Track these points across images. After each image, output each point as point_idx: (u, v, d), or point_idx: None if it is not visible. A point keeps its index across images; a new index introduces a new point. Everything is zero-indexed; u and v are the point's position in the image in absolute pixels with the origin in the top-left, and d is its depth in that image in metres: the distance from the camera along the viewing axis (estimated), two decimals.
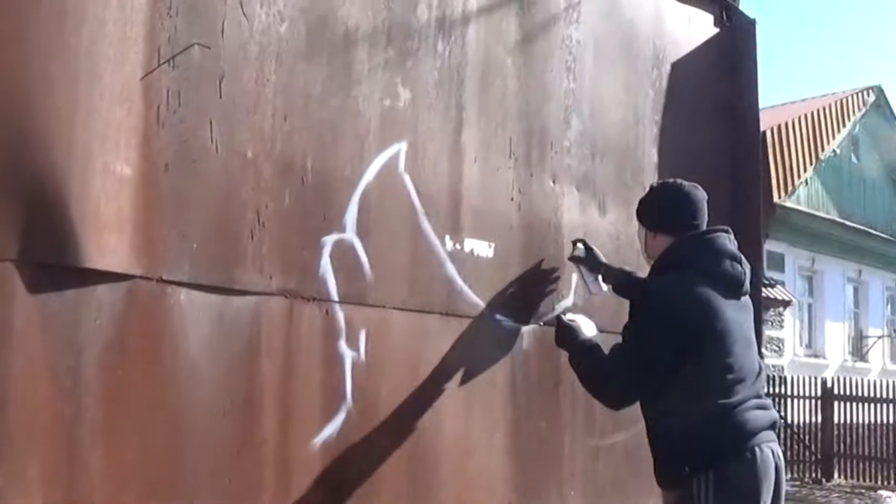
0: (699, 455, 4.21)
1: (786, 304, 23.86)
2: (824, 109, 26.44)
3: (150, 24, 4.02)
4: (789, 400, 21.68)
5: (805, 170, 25.22)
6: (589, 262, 5.34)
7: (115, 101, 3.92)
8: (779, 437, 4.46)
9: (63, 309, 3.79)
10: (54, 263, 3.77)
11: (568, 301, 5.61)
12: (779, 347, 24.41)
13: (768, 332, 23.44)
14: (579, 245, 5.43)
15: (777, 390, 21.57)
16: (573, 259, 5.39)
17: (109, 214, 3.88)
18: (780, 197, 23.74)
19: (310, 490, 4.51)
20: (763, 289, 20.01)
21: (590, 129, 5.82)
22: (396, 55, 4.88)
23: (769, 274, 23.58)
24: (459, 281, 5.11)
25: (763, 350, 17.74)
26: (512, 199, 5.37)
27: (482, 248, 5.20)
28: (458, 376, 5.12)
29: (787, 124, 24.20)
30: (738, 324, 4.38)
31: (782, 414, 21.21)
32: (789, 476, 20.84)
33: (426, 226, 4.97)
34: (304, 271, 4.52)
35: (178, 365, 4.11)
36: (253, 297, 4.34)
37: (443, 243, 5.04)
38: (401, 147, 4.89)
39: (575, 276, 5.62)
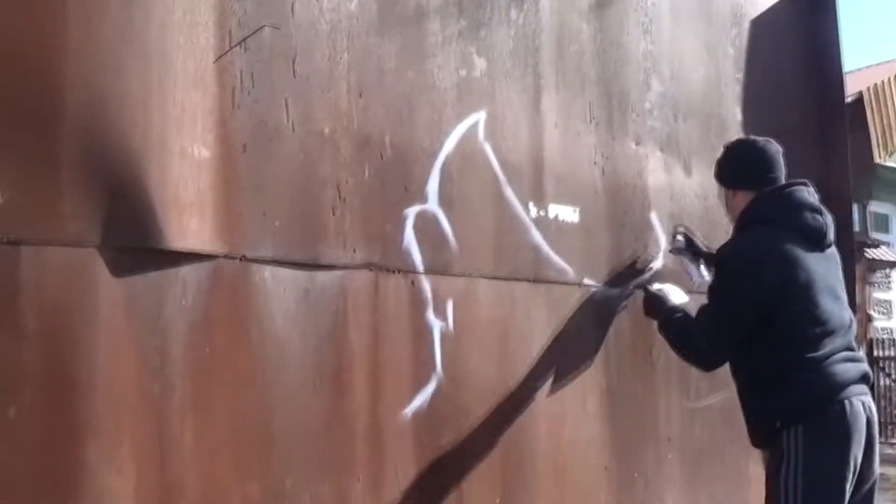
0: (789, 409, 4.13)
1: (892, 265, 23.24)
2: None
3: (220, 8, 4.02)
4: None
5: None
6: (690, 251, 5.29)
7: (189, 86, 3.91)
8: (872, 390, 4.27)
9: (147, 291, 3.81)
10: (136, 247, 3.76)
11: (657, 263, 5.53)
12: (887, 309, 23.76)
13: (876, 294, 22.89)
14: (679, 237, 5.33)
15: (888, 353, 20.96)
16: (674, 251, 5.33)
17: (189, 196, 3.89)
18: (880, 157, 23.07)
19: (402, 461, 4.51)
20: (868, 250, 19.60)
21: (671, 90, 5.73)
22: (469, 25, 4.83)
23: (875, 235, 23.01)
24: (546, 247, 5.06)
25: (872, 312, 17.37)
26: (595, 163, 5.31)
27: (567, 214, 5.14)
28: (548, 343, 5.08)
29: (884, 83, 23.50)
30: (822, 276, 4.27)
31: (894, 377, 20.72)
32: None
33: (509, 193, 4.92)
34: (388, 244, 4.50)
35: (265, 341, 4.11)
36: (338, 272, 4.33)
37: (527, 210, 4.99)
38: (480, 116, 4.85)
39: (663, 239, 5.47)
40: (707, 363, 4.51)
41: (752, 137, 4.67)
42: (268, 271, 4.10)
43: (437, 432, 4.62)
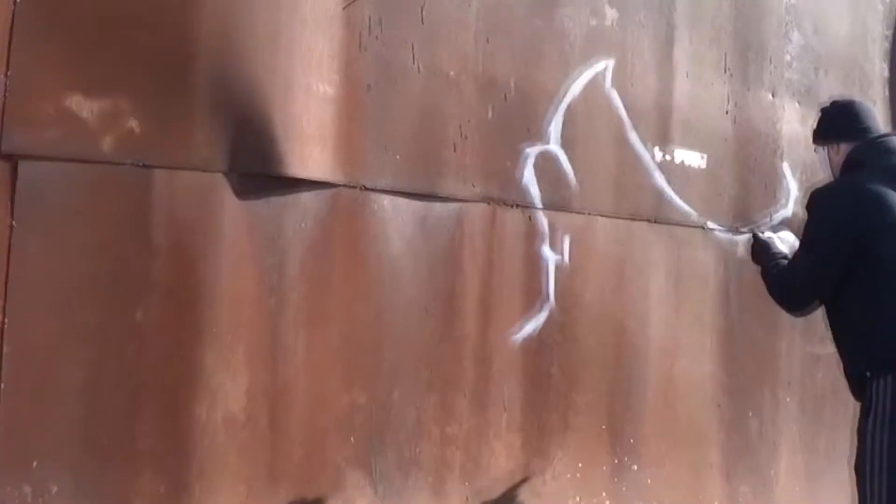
0: (877, 357, 3.97)
1: None
2: None
3: None
4: None
5: None
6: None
7: (317, 30, 4.20)
8: None
9: (269, 214, 4.14)
10: (260, 173, 4.06)
11: (787, 211, 5.57)
12: None
13: None
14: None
15: None
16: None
17: (312, 130, 4.19)
18: None
19: (509, 382, 4.73)
20: None
21: (812, 44, 5.71)
22: None
23: None
24: (669, 190, 5.17)
25: None
26: (727, 112, 5.36)
27: (693, 159, 5.22)
28: (667, 281, 5.22)
29: None
30: None
31: None
32: None
33: (633, 137, 5.05)
34: (507, 180, 4.71)
35: (381, 265, 4.40)
36: (455, 204, 4.58)
37: (651, 154, 5.08)
38: (608, 63, 4.99)
39: (794, 188, 5.45)
40: (795, 304, 4.42)
41: (845, 97, 4.72)
42: (387, 200, 4.37)
43: (546, 359, 4.82)
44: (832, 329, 4.28)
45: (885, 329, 3.96)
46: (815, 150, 4.57)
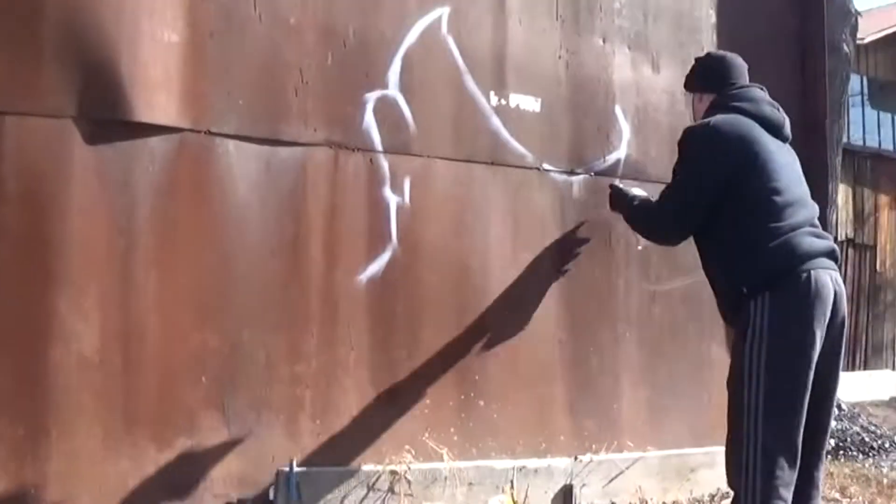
0: (755, 276, 4.34)
1: None
2: None
3: None
4: None
5: None
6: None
7: None
8: (840, 269, 4.63)
9: (117, 158, 4.59)
10: (108, 119, 4.51)
11: (620, 153, 6.05)
12: None
13: None
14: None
15: None
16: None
17: (157, 76, 4.61)
18: None
19: (356, 320, 5.19)
20: None
21: None
22: None
23: None
24: (505, 133, 5.66)
25: None
26: (559, 57, 5.87)
27: (528, 103, 5.71)
28: (505, 221, 5.68)
29: None
30: (781, 156, 4.57)
31: None
32: None
33: (470, 83, 5.52)
34: (348, 124, 5.17)
35: (227, 207, 4.84)
36: (299, 148, 5.03)
37: (487, 98, 5.57)
38: (443, 11, 5.46)
39: (627, 130, 6.02)
40: (672, 234, 4.79)
41: (719, 51, 5.21)
42: (231, 144, 4.82)
43: (391, 298, 5.29)
44: (706, 254, 4.66)
45: (760, 250, 4.34)
46: (683, 94, 5.10)
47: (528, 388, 5.71)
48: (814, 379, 4.31)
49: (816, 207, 4.60)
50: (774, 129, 4.63)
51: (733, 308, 4.45)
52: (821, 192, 6.85)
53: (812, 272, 4.28)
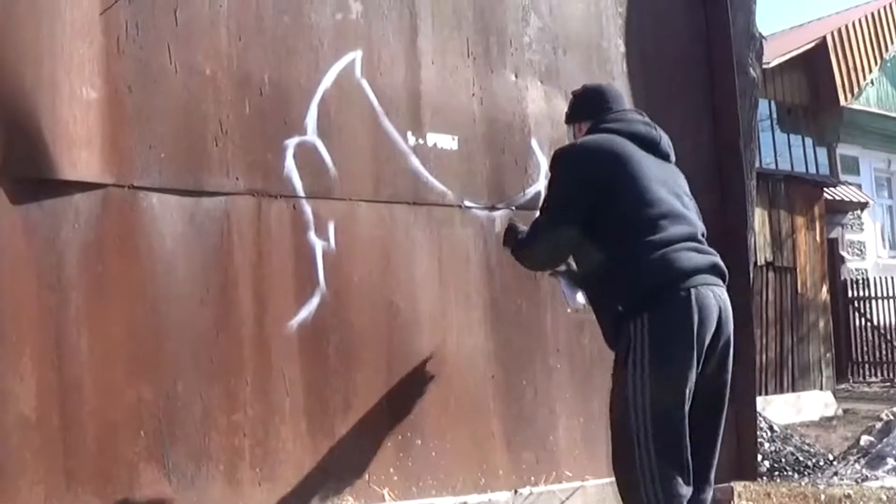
0: (631, 295, 4.42)
1: (863, 206, 24.13)
2: (886, 8, 26.26)
3: None
4: (874, 301, 22.51)
5: (870, 70, 25.30)
6: (568, 275, 5.23)
7: (76, 35, 4.81)
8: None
9: (43, 216, 4.73)
10: (32, 178, 4.68)
11: (538, 185, 6.27)
12: (861, 251, 24.81)
13: (849, 235, 23.97)
14: None
15: (862, 293, 22.31)
16: (553, 273, 5.35)
17: (79, 132, 4.79)
18: (846, 100, 24.01)
19: (290, 366, 5.36)
20: (833, 188, 20.52)
21: (549, 26, 6.50)
22: None
23: (844, 177, 23.95)
24: (425, 172, 5.89)
25: (844, 253, 18.12)
26: (473, 94, 6.11)
27: (445, 141, 5.94)
28: (430, 260, 5.90)
29: (847, 27, 24.45)
30: (656, 172, 4.67)
31: (868, 316, 22.10)
32: (878, 378, 21.47)
33: (387, 124, 5.75)
34: (269, 171, 5.36)
35: (154, 260, 5.00)
36: (222, 198, 5.22)
37: (405, 139, 5.81)
38: (356, 55, 5.68)
39: (544, 163, 6.28)
40: (549, 255, 4.92)
41: (596, 83, 5.47)
42: (155, 198, 4.99)
43: (322, 342, 5.48)
44: (585, 280, 4.85)
45: (634, 266, 4.44)
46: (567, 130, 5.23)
47: (464, 424, 5.90)
48: (700, 401, 4.42)
49: (700, 224, 4.68)
50: (650, 146, 4.76)
51: (613, 330, 4.54)
52: (741, 215, 7.18)
53: (693, 290, 4.35)
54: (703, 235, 4.66)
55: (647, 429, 4.34)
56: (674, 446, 4.35)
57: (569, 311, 5.87)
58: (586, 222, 4.59)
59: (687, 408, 4.36)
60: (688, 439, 4.37)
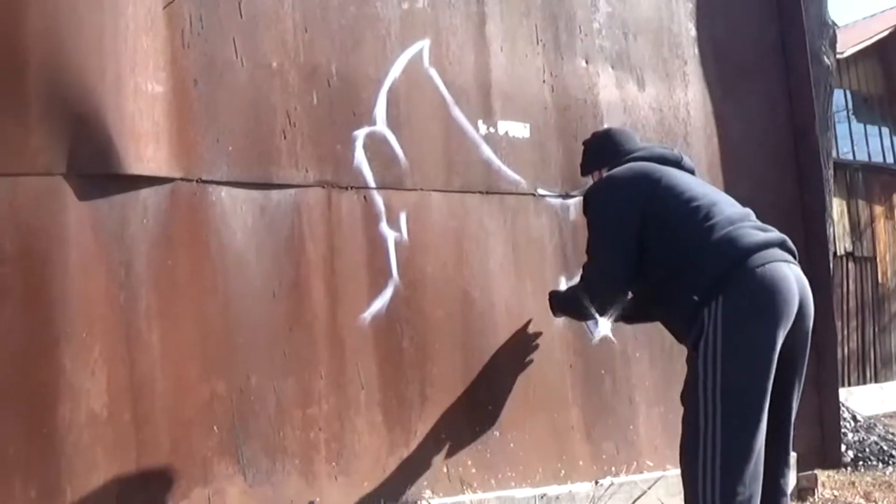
0: (702, 280, 4.17)
1: None
2: None
3: None
4: None
5: None
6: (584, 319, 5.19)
7: (139, 30, 4.65)
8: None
9: (111, 212, 4.58)
10: (99, 173, 4.53)
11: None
12: None
13: None
14: None
15: None
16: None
17: (145, 127, 4.63)
18: None
19: (363, 359, 5.18)
20: None
21: (619, 10, 6.29)
22: None
23: None
24: (497, 161, 5.69)
25: None
26: (544, 81, 5.90)
27: (517, 130, 5.74)
28: (505, 249, 5.70)
29: None
30: (688, 178, 4.58)
31: None
32: None
33: (457, 113, 5.55)
34: (339, 163, 5.19)
35: (225, 254, 4.84)
36: (291, 190, 5.04)
37: (476, 128, 5.61)
38: (424, 44, 5.50)
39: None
40: (612, 289, 4.66)
41: (603, 128, 5.38)
42: (224, 191, 4.82)
43: (397, 335, 5.29)
44: (651, 299, 4.59)
45: (699, 254, 4.22)
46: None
47: (542, 415, 5.70)
48: (774, 383, 4.13)
49: (750, 210, 4.48)
50: (674, 164, 4.66)
51: (688, 323, 4.25)
52: (819, 198, 6.91)
53: (767, 266, 4.12)
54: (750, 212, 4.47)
55: (714, 420, 4.08)
56: (745, 439, 4.07)
57: (594, 341, 5.67)
58: (637, 244, 4.43)
59: (767, 395, 4.11)
60: (763, 430, 4.09)
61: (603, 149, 4.91)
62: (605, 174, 4.78)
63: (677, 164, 4.68)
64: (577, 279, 5.52)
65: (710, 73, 6.64)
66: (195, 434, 4.69)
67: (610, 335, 5.23)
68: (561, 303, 5.16)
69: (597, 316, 4.88)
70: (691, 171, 4.71)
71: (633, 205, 4.43)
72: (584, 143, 5.09)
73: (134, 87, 4.60)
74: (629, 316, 4.99)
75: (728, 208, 4.37)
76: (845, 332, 16.42)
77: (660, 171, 4.52)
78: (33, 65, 4.44)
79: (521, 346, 5.68)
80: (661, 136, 6.21)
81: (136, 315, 4.58)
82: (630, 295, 4.74)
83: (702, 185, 4.55)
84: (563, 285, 5.79)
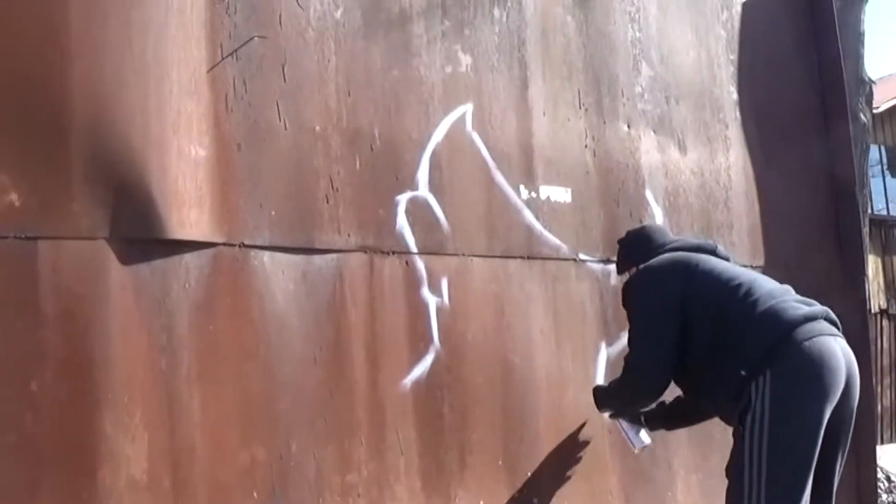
0: (751, 353, 4.18)
1: None
2: None
3: (211, 23, 4.69)
4: None
5: None
6: (629, 415, 5.20)
7: (183, 94, 4.60)
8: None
9: (153, 276, 4.50)
10: (142, 238, 4.46)
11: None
12: None
13: None
14: None
15: None
16: (613, 416, 5.30)
17: (188, 191, 4.57)
18: None
19: (404, 425, 5.10)
20: None
21: (661, 74, 6.24)
22: (453, 25, 5.44)
23: None
24: (538, 226, 5.63)
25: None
26: (586, 146, 5.85)
27: (559, 194, 5.69)
28: (546, 315, 5.63)
29: None
30: (725, 264, 4.62)
31: None
32: None
33: (499, 178, 5.50)
34: (381, 227, 5.13)
35: (266, 319, 4.76)
36: (333, 255, 4.97)
37: (518, 192, 5.57)
38: (467, 108, 5.45)
39: (659, 214, 5.98)
40: (655, 382, 4.64)
41: (637, 226, 5.36)
42: (266, 256, 4.76)
43: (437, 401, 5.21)
44: (695, 386, 4.60)
45: (745, 329, 4.25)
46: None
47: (581, 481, 5.61)
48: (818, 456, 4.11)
49: (790, 287, 4.49)
50: (710, 252, 4.69)
51: (736, 397, 4.22)
52: (858, 263, 6.83)
53: (814, 339, 4.12)
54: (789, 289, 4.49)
55: (759, 491, 4.08)
56: None
57: (635, 451, 5.48)
58: (679, 332, 4.43)
59: (812, 469, 4.09)
60: (805, 502, 4.07)
61: (638, 245, 4.92)
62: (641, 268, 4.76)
63: (712, 252, 4.71)
64: (616, 346, 5.48)
65: (751, 137, 6.61)
66: (235, 500, 4.60)
67: (650, 443, 5.14)
68: (605, 396, 5.10)
69: (640, 410, 4.97)
70: (726, 259, 4.73)
71: (672, 291, 4.46)
72: (619, 242, 5.11)
73: (177, 151, 4.54)
74: (669, 418, 5.07)
75: (768, 283, 4.42)
76: (879, 390, 16.23)
77: (696, 258, 4.56)
78: (77, 127, 4.39)
79: (560, 412, 5.62)
80: (702, 201, 6.18)
81: (177, 380, 4.50)
82: (665, 397, 4.78)
83: (738, 268, 4.60)
84: (603, 351, 5.73)
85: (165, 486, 4.44)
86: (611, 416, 5.16)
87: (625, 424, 5.17)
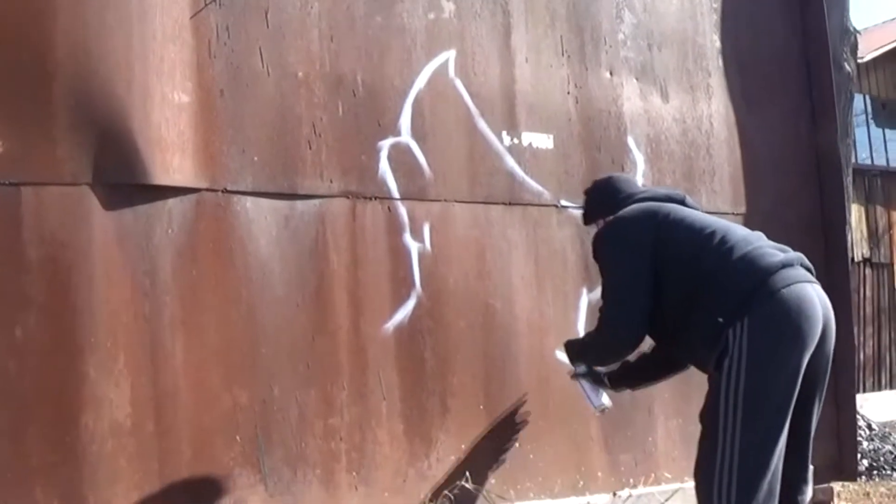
0: (726, 301, 4.08)
1: None
2: None
3: None
4: None
5: None
6: (591, 376, 5.01)
7: (167, 40, 4.62)
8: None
9: (136, 222, 4.55)
10: (125, 183, 4.48)
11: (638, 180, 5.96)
12: None
13: None
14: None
15: None
16: (574, 376, 5.05)
17: (171, 137, 4.60)
18: None
19: (386, 369, 5.15)
20: None
21: (644, 22, 6.23)
22: None
23: None
24: (520, 172, 5.65)
25: None
26: (568, 92, 5.86)
27: (541, 141, 5.70)
28: (527, 260, 5.66)
29: None
30: (696, 213, 4.50)
31: None
32: None
33: (482, 124, 5.51)
34: (364, 173, 5.15)
35: (249, 264, 4.80)
36: (316, 200, 5.00)
37: (500, 139, 5.57)
38: (449, 55, 5.46)
39: (641, 161, 6.00)
40: (630, 334, 4.47)
41: (603, 176, 5.13)
42: (249, 201, 4.79)
43: (419, 345, 5.26)
44: (671, 335, 4.43)
45: (720, 277, 4.14)
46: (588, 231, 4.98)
47: (562, 426, 5.65)
48: (795, 401, 4.07)
49: (762, 233, 4.40)
50: (677, 202, 4.58)
51: (712, 345, 4.11)
52: (840, 213, 6.86)
53: (791, 287, 4.05)
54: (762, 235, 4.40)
55: (733, 436, 4.00)
56: (764, 458, 4.01)
57: (596, 413, 5.25)
58: (652, 283, 4.31)
59: (788, 415, 4.04)
60: (781, 448, 4.03)
61: (605, 195, 4.77)
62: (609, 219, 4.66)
63: (681, 202, 4.60)
64: (597, 291, 5.48)
65: (733, 85, 6.59)
66: (217, 444, 4.66)
67: (610, 405, 4.98)
68: (579, 350, 4.94)
69: (605, 370, 4.87)
70: (695, 210, 4.61)
71: (643, 241, 4.34)
72: (586, 192, 4.95)
73: (160, 97, 4.56)
74: (633, 377, 4.97)
75: (741, 230, 4.34)
76: (861, 339, 16.28)
77: (667, 207, 4.46)
78: (60, 74, 4.41)
79: (541, 357, 5.64)
80: (684, 148, 6.19)
81: (160, 325, 4.55)
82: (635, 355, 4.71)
83: (709, 216, 4.50)
84: (584, 297, 5.76)
85: (149, 431, 4.50)
86: (572, 377, 4.99)
87: (586, 385, 4.95)
